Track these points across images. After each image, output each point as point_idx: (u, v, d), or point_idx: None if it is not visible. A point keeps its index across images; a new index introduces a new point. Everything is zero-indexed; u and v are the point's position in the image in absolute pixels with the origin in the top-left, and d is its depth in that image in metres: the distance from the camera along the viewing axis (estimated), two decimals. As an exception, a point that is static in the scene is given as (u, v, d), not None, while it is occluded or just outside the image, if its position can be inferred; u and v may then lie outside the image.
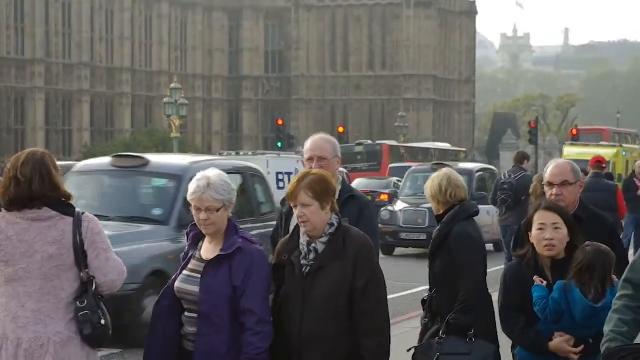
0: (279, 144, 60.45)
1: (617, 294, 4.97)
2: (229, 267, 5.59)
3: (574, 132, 58.51)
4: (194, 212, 5.72)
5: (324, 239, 5.59)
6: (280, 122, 66.74)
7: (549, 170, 7.15)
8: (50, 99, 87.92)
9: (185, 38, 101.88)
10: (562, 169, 7.08)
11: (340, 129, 69.76)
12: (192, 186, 5.73)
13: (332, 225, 5.62)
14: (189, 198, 5.76)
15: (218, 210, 5.65)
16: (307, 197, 5.52)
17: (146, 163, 14.06)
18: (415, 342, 7.25)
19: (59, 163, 5.81)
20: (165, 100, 56.27)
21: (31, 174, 5.32)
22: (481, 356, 6.77)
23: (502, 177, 19.23)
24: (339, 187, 6.64)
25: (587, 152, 43.64)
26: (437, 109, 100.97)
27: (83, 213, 5.49)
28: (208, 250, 5.76)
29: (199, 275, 5.67)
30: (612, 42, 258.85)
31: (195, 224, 5.83)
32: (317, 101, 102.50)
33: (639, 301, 4.83)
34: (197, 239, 5.87)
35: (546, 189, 7.13)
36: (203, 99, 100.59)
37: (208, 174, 5.73)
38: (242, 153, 42.94)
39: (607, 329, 4.87)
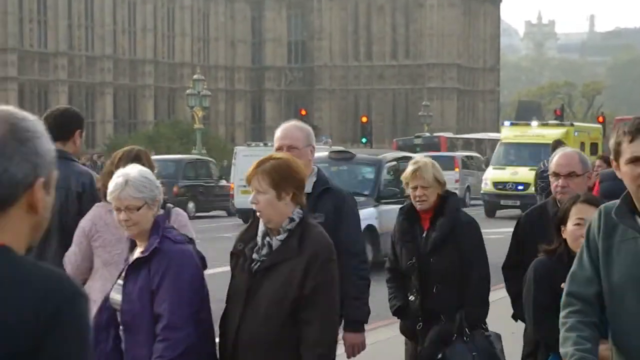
0: None
1: (564, 312, 4.46)
2: (148, 271, 5.19)
3: (600, 119, 55.31)
4: (114, 213, 5.42)
5: (281, 236, 5.03)
6: (303, 112, 66.94)
7: (555, 159, 6.69)
8: (73, 92, 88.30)
9: (208, 29, 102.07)
10: (569, 159, 6.62)
11: (364, 119, 69.83)
12: (110, 185, 5.46)
13: (291, 220, 5.04)
14: (108, 198, 5.48)
15: (139, 209, 5.28)
16: (261, 183, 4.97)
17: None
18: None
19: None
20: (188, 91, 56.45)
21: None
22: (499, 348, 6.77)
23: (542, 165, 19.38)
24: (313, 179, 6.38)
25: (528, 133, 39.95)
26: (461, 97, 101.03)
27: (173, 207, 6.10)
28: (135, 254, 5.43)
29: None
30: (637, 28, 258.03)
31: None
32: (340, 91, 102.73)
33: (592, 316, 4.37)
34: (135, 243, 5.51)
35: (551, 179, 6.68)
36: (226, 90, 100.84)
37: (127, 171, 5.43)
38: (269, 144, 42.98)
39: (568, 349, 4.34)
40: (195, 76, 57.35)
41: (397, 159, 21.90)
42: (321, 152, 19.95)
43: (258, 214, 5.06)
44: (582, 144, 39.18)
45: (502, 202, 37.83)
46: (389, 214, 17.50)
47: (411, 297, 6.81)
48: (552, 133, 37.67)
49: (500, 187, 38.05)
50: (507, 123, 43.68)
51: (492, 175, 38.95)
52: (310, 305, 4.93)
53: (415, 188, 6.75)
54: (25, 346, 2.59)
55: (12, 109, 2.75)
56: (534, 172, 38.52)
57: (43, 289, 2.64)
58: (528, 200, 34.04)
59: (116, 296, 5.35)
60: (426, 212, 6.81)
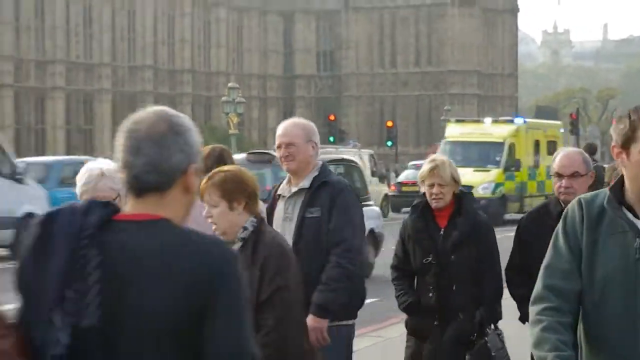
0: (331, 139, 60.79)
1: (539, 306, 3.95)
2: None
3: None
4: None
5: (236, 246, 4.79)
6: (332, 117, 67.09)
7: (557, 159, 6.43)
8: (116, 100, 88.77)
9: (242, 40, 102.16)
10: (572, 160, 6.36)
11: (389, 123, 70.11)
12: (82, 177, 5.32)
13: (245, 229, 4.85)
14: (80, 190, 5.30)
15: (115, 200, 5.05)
16: (212, 196, 4.81)
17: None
18: None
19: None
20: (223, 99, 56.47)
21: (211, 167, 5.62)
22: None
23: None
24: (314, 174, 6.16)
25: (474, 132, 36.10)
26: (481, 102, 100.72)
27: None
28: None
29: None
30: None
31: None
32: (366, 97, 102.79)
33: (569, 316, 3.90)
34: None
35: (554, 180, 6.44)
36: (259, 98, 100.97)
37: (100, 164, 5.35)
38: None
39: (546, 354, 3.84)
40: (230, 84, 57.50)
41: (329, 162, 18.33)
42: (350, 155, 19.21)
43: (213, 227, 4.88)
44: (537, 142, 36.47)
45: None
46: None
47: (429, 294, 6.53)
48: (501, 131, 35.45)
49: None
50: (452, 120, 39.42)
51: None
52: (266, 309, 4.67)
53: (431, 186, 6.50)
54: (197, 301, 2.80)
55: (167, 109, 3.06)
56: (479, 174, 33.95)
57: (207, 253, 2.87)
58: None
59: None
60: (441, 210, 6.57)
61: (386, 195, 39.59)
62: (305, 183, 6.08)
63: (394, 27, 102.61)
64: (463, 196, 6.67)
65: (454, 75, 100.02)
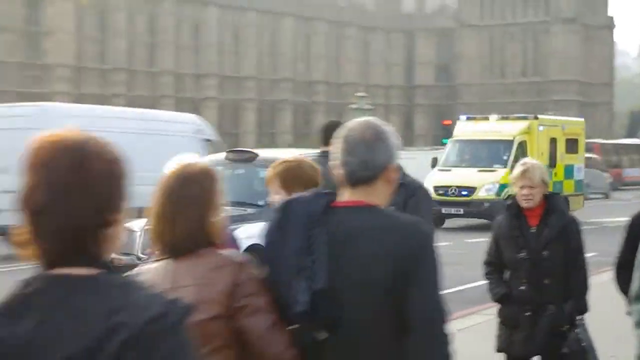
0: (445, 141, 62.38)
1: None
2: None
3: None
4: None
5: None
6: (447, 122, 69.43)
7: None
8: (261, 108, 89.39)
9: (369, 55, 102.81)
10: None
11: None
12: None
13: None
14: None
15: None
16: (274, 186, 4.58)
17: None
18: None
19: None
20: (353, 106, 57.11)
21: None
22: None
23: None
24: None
25: (483, 130, 29.81)
26: (581, 109, 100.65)
27: None
28: None
29: None
30: None
31: None
32: (478, 104, 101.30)
33: None
34: None
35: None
36: (383, 105, 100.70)
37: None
38: (426, 148, 45.56)
39: None
40: (359, 94, 58.43)
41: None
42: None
43: None
44: (553, 140, 29.84)
45: (445, 210, 27.52)
46: None
47: (522, 287, 6.35)
48: (510, 128, 29.24)
49: (441, 192, 27.82)
50: (463, 117, 32.23)
51: (435, 178, 28.57)
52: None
53: (522, 187, 6.34)
54: (403, 269, 2.98)
55: (372, 119, 3.26)
56: (484, 174, 28.39)
57: (411, 231, 3.07)
58: (473, 208, 27.98)
59: None
60: (531, 210, 6.39)
61: None
62: None
63: (503, 42, 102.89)
64: (552, 197, 6.50)
65: (556, 84, 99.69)
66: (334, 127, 6.56)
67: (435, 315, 3.01)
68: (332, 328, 3.06)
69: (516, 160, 22.45)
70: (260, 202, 12.28)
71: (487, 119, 30.64)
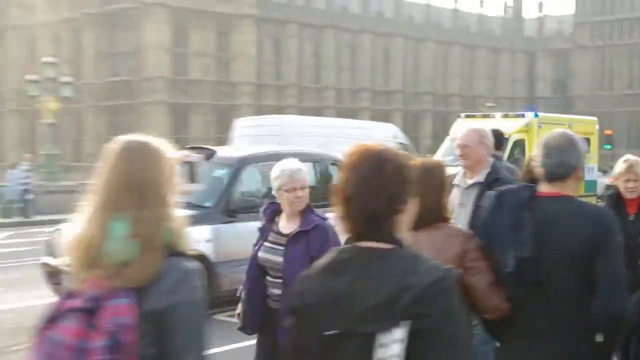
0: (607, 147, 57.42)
1: None
2: (307, 241, 4.98)
3: None
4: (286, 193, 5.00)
5: None
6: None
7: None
8: (340, 115, 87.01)
9: (497, 72, 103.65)
10: None
11: (608, 132, 70.72)
12: (276, 172, 5.12)
13: None
14: (277, 183, 5.09)
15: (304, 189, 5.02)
16: None
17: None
18: None
19: None
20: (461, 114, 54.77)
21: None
22: None
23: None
24: (487, 170, 5.90)
25: (485, 127, 16.72)
26: None
27: None
28: (285, 226, 5.12)
29: (281, 247, 5.08)
30: None
31: (272, 202, 5.21)
32: (590, 113, 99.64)
33: None
34: (273, 215, 5.22)
35: (620, 183, 6.18)
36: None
37: (291, 163, 5.15)
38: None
39: None
40: (488, 104, 60.39)
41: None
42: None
43: None
44: None
45: None
46: (237, 234, 10.38)
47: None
48: (508, 126, 23.53)
49: None
50: (462, 115, 27.81)
51: None
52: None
53: (627, 181, 6.27)
54: (593, 245, 3.15)
55: (565, 130, 3.42)
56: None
57: (600, 215, 3.27)
58: None
59: (268, 256, 5.13)
60: (632, 200, 6.33)
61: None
62: (480, 178, 5.84)
63: (612, 60, 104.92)
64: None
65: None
66: (500, 134, 7.61)
67: (618, 278, 3.21)
68: (535, 287, 3.26)
69: (510, 158, 21.53)
70: (207, 204, 10.80)
71: (486, 117, 26.45)
